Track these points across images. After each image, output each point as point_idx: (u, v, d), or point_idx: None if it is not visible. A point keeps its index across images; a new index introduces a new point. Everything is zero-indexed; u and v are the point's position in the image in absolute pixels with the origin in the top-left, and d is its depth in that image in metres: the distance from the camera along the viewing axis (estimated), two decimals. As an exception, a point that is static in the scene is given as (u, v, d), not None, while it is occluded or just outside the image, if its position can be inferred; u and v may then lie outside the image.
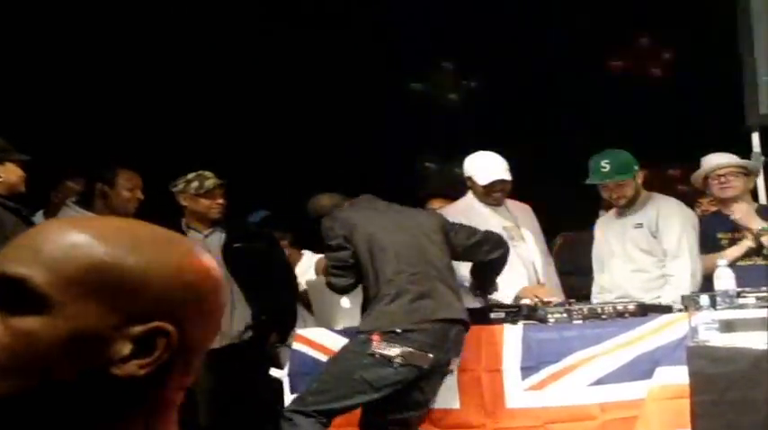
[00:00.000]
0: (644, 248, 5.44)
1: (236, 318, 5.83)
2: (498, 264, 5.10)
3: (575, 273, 5.96)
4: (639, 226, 5.43)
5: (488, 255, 5.05)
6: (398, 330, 4.66)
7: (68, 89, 7.44)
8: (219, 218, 5.77)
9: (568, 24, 7.91)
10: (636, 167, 5.43)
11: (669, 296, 5.23)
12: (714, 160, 5.76)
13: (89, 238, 1.05)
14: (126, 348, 1.03)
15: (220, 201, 5.75)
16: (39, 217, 5.56)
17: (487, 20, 8.07)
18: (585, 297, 5.49)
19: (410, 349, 4.63)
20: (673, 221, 5.37)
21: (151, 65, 7.69)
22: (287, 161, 7.57)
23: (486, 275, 5.17)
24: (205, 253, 1.11)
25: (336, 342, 5.14)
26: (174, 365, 1.06)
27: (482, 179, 5.59)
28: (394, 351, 4.63)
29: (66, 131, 6.91)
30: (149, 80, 7.72)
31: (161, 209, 5.39)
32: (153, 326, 1.04)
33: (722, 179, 5.67)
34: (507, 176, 5.58)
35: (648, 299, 5.23)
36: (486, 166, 5.62)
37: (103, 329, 1.03)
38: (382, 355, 4.64)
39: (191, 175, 5.78)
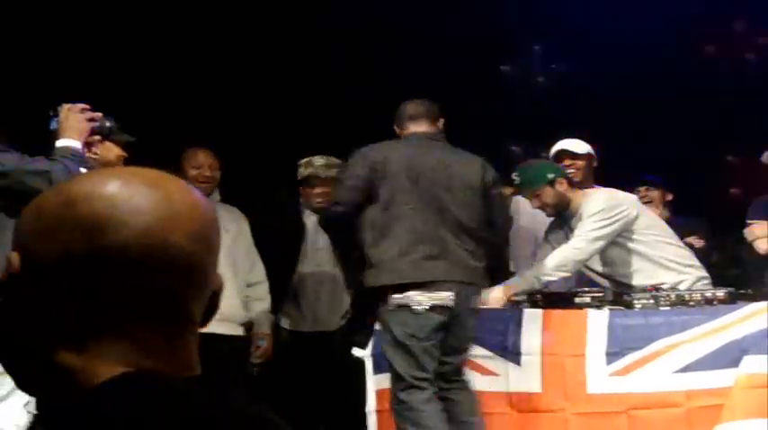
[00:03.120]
0: None
1: (333, 305, 5.96)
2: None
3: None
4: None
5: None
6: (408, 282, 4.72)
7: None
8: (317, 207, 5.91)
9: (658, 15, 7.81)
10: (551, 175, 5.41)
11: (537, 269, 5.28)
12: None
13: None
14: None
15: (317, 190, 5.91)
16: None
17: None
18: None
19: (429, 293, 4.68)
20: (585, 212, 5.35)
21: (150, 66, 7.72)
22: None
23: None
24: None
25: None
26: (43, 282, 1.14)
27: None
28: (415, 298, 4.68)
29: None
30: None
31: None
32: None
33: None
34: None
35: None
36: None
37: None
38: (403, 305, 4.69)
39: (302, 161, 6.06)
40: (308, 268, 6.05)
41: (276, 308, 5.91)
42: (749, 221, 5.75)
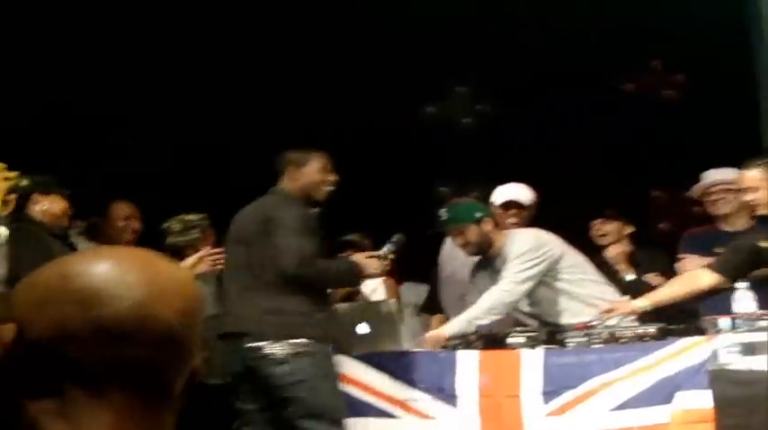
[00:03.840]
0: None
1: None
2: None
3: None
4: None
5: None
6: None
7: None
8: None
9: (582, 50, 7.93)
10: (478, 214, 5.48)
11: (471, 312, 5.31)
12: (711, 176, 5.82)
13: None
14: None
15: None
16: None
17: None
18: None
19: None
20: (510, 253, 5.42)
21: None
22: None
23: None
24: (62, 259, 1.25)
25: (354, 368, 5.14)
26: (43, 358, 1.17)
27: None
28: None
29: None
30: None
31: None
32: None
33: (714, 196, 5.74)
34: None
35: None
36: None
37: None
38: None
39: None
40: None
41: None
42: (680, 256, 5.80)
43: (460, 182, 7.93)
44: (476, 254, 5.57)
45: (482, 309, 5.27)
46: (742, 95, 7.38)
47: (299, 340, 4.88)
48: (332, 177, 5.25)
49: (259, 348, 4.89)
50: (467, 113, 8.89)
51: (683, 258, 5.73)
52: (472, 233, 5.46)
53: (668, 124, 8.10)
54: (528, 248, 5.37)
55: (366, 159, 8.20)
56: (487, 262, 5.55)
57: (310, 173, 5.21)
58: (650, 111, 8.33)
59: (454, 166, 8.25)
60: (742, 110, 7.44)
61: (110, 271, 1.21)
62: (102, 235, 5.74)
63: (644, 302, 5.10)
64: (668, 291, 5.21)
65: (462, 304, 5.67)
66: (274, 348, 4.88)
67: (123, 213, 5.92)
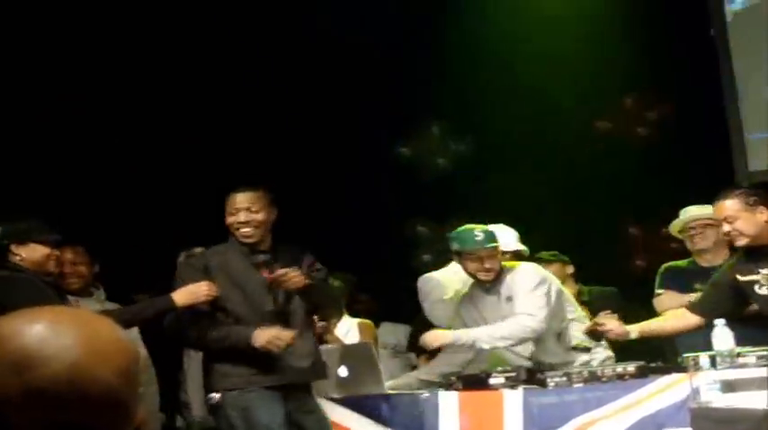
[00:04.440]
0: None
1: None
2: None
3: None
4: (510, 299, 5.42)
5: None
6: None
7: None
8: None
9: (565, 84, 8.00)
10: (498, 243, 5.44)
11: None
12: (690, 212, 5.84)
13: None
14: None
15: None
16: None
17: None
18: None
19: None
20: (523, 285, 5.38)
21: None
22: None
23: None
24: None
25: (334, 412, 5.11)
26: None
27: None
28: None
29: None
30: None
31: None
32: None
33: (693, 231, 5.76)
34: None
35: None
36: None
37: None
38: None
39: None
40: None
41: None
42: (658, 292, 5.81)
43: (437, 220, 7.93)
44: (490, 279, 5.46)
45: (493, 336, 5.26)
46: (714, 129, 7.48)
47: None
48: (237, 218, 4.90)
49: None
50: (442, 152, 8.92)
51: (662, 293, 5.75)
52: (495, 258, 5.41)
53: (641, 160, 8.15)
54: (539, 282, 5.35)
55: (342, 199, 8.21)
56: (492, 289, 5.49)
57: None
58: (622, 148, 8.40)
59: (431, 205, 8.25)
60: (714, 144, 7.53)
61: (44, 332, 1.17)
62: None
63: (633, 328, 5.09)
64: (657, 325, 5.21)
65: None
66: None
67: (68, 258, 5.70)
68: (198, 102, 8.08)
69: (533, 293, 5.30)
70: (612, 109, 8.53)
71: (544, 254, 6.43)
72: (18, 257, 4.64)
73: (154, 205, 7.86)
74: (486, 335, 5.27)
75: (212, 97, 8.10)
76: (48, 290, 4.63)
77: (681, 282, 5.74)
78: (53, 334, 1.17)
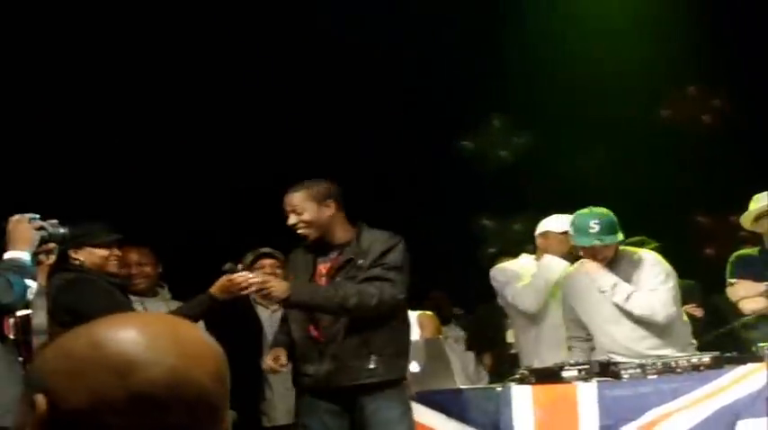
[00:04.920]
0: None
1: None
2: None
3: None
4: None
5: None
6: None
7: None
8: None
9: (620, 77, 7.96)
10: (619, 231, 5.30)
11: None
12: (763, 201, 5.71)
13: None
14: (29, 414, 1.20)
15: None
16: None
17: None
18: None
19: None
20: (652, 275, 5.28)
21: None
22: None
23: None
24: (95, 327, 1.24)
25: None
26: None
27: None
28: None
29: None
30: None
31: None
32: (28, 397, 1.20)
33: (766, 218, 5.65)
34: None
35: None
36: None
37: None
38: None
39: None
40: None
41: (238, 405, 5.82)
42: (731, 281, 5.70)
43: (502, 214, 7.93)
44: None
45: (628, 294, 5.22)
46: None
47: None
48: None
49: None
50: (504, 145, 8.91)
51: (735, 283, 5.64)
52: (610, 251, 5.28)
53: (709, 148, 8.08)
54: (667, 274, 5.27)
55: (405, 195, 8.23)
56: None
57: None
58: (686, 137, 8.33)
59: (494, 198, 8.24)
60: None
61: (140, 337, 1.20)
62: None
63: None
64: None
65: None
66: None
67: (133, 259, 5.72)
68: (257, 99, 8.14)
69: (665, 286, 5.23)
70: (678, 97, 8.45)
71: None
72: (77, 262, 4.67)
73: (213, 204, 7.95)
74: (624, 290, 5.21)
75: (273, 94, 8.16)
76: (115, 291, 4.67)
77: (754, 270, 5.65)
78: (148, 339, 1.21)
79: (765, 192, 5.77)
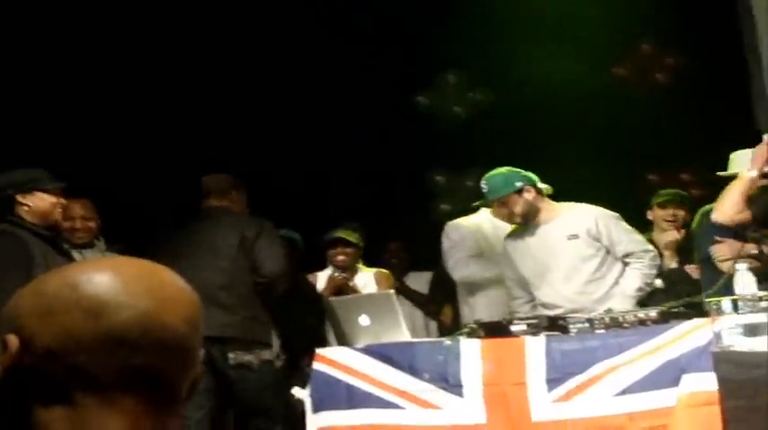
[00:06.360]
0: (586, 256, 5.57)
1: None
2: None
3: None
4: (575, 237, 5.44)
5: None
6: None
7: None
8: None
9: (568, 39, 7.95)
10: (519, 184, 5.49)
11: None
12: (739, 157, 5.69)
13: None
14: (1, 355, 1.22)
15: None
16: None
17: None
18: None
19: None
20: (610, 225, 5.51)
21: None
22: (296, 180, 7.55)
23: None
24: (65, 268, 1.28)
25: (357, 360, 5.13)
26: (47, 365, 1.18)
27: None
28: None
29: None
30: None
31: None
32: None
33: None
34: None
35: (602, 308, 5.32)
36: None
37: None
38: None
39: None
40: None
41: None
42: (718, 239, 5.68)
43: (455, 170, 7.91)
44: (522, 223, 5.57)
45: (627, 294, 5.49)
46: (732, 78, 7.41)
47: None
48: None
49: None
50: (459, 102, 8.89)
51: (722, 241, 5.58)
52: (515, 203, 5.46)
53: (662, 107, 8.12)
54: (617, 216, 5.50)
55: (358, 151, 8.21)
56: (535, 229, 5.57)
57: None
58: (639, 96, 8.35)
59: (448, 155, 8.23)
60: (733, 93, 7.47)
61: (115, 280, 1.23)
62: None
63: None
64: None
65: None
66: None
67: (77, 213, 5.74)
68: (201, 63, 8.06)
69: (623, 227, 5.48)
70: (631, 56, 8.47)
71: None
72: (25, 208, 4.60)
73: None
74: (620, 296, 5.45)
75: (222, 56, 8.09)
76: (39, 247, 4.56)
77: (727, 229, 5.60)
78: (124, 282, 1.23)
79: (741, 152, 5.73)
